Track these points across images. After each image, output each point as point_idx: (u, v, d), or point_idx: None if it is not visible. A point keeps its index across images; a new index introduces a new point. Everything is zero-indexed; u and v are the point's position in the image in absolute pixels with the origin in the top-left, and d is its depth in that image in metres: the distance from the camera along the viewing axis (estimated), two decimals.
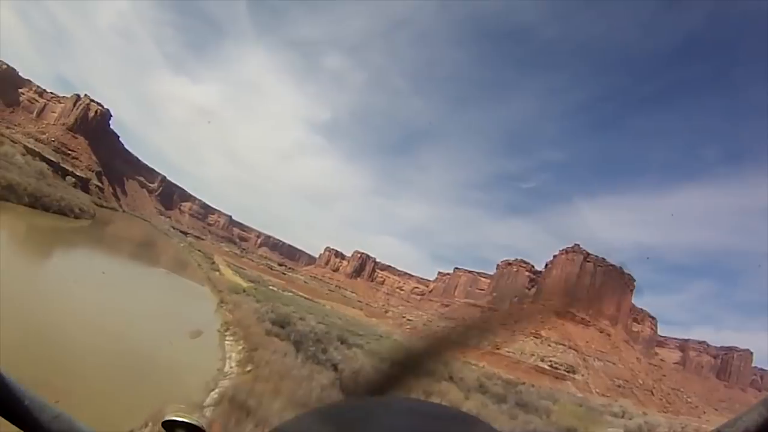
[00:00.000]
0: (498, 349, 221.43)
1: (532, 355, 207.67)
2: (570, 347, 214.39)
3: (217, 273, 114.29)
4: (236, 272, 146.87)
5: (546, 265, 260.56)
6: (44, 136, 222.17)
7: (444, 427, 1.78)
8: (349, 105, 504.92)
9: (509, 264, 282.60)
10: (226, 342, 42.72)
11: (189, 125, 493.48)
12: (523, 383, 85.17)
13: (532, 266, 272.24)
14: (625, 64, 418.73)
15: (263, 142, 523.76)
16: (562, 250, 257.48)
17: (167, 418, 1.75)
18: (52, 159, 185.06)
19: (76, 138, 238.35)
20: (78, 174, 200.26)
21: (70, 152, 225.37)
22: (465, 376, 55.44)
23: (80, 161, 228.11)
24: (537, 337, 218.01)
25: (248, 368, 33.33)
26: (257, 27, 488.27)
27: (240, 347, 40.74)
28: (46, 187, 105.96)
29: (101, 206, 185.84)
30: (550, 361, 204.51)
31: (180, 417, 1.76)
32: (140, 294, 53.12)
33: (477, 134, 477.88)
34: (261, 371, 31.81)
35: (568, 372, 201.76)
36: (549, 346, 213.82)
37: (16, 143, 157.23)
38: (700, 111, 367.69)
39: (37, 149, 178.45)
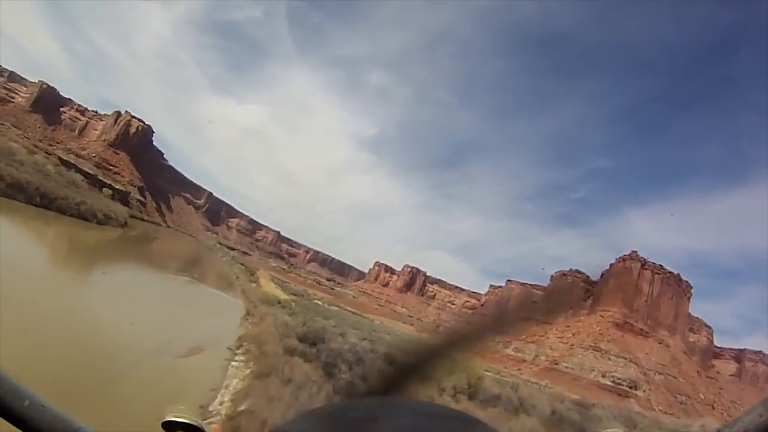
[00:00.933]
0: (556, 364, 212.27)
1: (593, 370, 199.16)
2: (630, 360, 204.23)
3: (254, 285, 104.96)
4: (279, 286, 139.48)
5: (602, 274, 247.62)
6: (84, 152, 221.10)
7: (444, 427, 1.77)
8: (395, 120, 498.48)
9: (564, 275, 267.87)
10: (234, 363, 33.05)
11: (235, 144, 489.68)
12: (593, 404, 73.10)
13: (587, 276, 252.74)
14: (666, 64, 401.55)
15: (311, 159, 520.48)
16: (619, 257, 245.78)
17: (167, 419, 1.74)
18: (89, 171, 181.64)
19: (118, 153, 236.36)
20: (117, 187, 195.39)
21: (111, 167, 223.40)
22: (537, 403, 47.64)
23: (121, 176, 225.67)
24: (597, 351, 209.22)
25: (242, 407, 20.95)
26: (299, 47, 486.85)
27: (248, 371, 30.91)
28: (72, 193, 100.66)
29: (142, 219, 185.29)
30: (613, 376, 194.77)
31: (179, 418, 1.75)
32: (150, 302, 46.32)
33: (524, 144, 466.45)
34: (261, 409, 21.45)
35: (630, 388, 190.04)
36: (609, 359, 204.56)
37: (50, 155, 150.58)
38: (746, 109, 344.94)
39: (72, 161, 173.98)
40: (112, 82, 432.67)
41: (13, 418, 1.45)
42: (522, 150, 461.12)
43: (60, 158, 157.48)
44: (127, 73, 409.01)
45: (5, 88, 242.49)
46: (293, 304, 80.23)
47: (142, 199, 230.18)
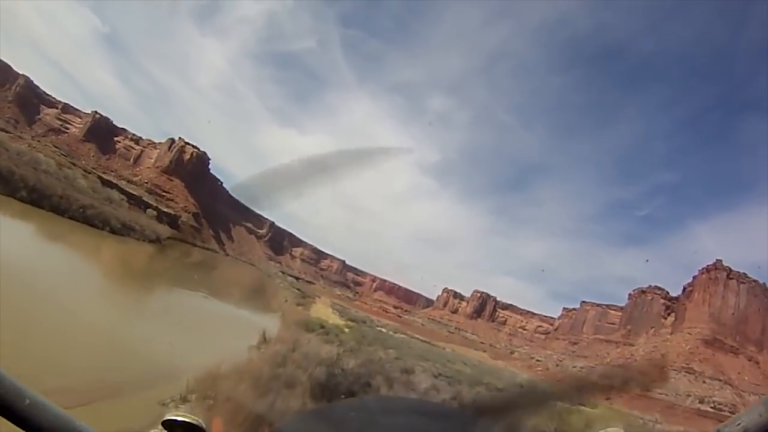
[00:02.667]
0: (648, 391, 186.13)
1: (688, 395, 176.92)
2: (725, 382, 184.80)
3: (300, 308, 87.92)
4: (339, 312, 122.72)
5: (684, 288, 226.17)
6: (137, 178, 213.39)
7: (444, 426, 1.74)
8: (457, 145, 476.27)
9: (642, 292, 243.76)
10: None
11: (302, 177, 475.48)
12: None
13: (667, 292, 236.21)
14: (723, 70, 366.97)
15: (375, 187, 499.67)
16: (702, 268, 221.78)
17: (167, 418, 1.71)
18: (133, 192, 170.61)
19: (172, 180, 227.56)
20: (164, 210, 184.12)
21: (164, 193, 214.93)
22: None
23: (176, 202, 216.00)
24: (689, 372, 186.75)
25: None
26: (357, 75, 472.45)
27: None
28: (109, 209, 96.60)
29: (193, 244, 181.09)
30: (713, 401, 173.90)
31: (180, 416, 1.71)
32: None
33: (587, 162, 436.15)
34: None
35: (732, 414, 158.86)
36: (704, 382, 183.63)
37: (89, 173, 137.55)
38: None
39: (117, 183, 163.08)
40: (172, 115, 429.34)
41: (14, 418, 1.42)
42: (585, 168, 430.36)
43: (100, 177, 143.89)
44: (188, 106, 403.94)
45: (59, 119, 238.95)
46: (346, 330, 70.96)
47: (196, 225, 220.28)
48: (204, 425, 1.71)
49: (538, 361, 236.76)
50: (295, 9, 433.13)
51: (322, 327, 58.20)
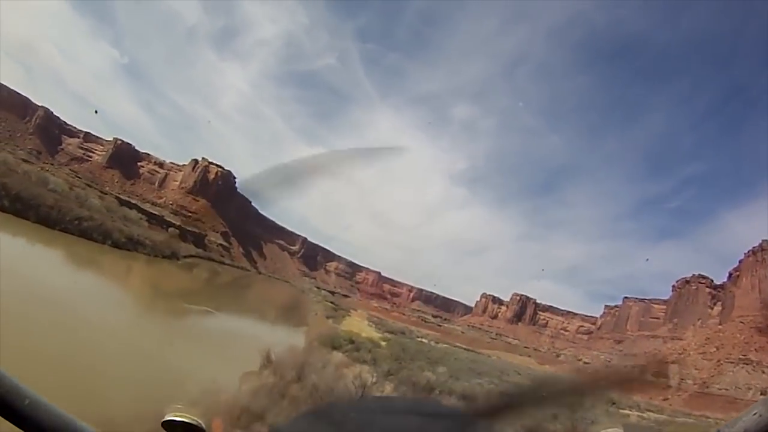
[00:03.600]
0: (707, 387, 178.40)
1: (749, 388, 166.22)
2: None
3: (330, 321, 77.95)
4: (375, 324, 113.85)
5: (729, 274, 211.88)
6: (161, 200, 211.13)
7: (445, 427, 1.71)
8: (485, 152, 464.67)
9: (687, 282, 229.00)
10: None
11: (330, 191, 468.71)
12: None
13: (711, 281, 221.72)
14: (743, 55, 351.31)
15: (405, 199, 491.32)
16: (748, 251, 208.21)
17: (167, 418, 1.69)
18: (154, 212, 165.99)
19: (197, 200, 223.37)
20: (189, 229, 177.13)
21: (190, 213, 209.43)
22: None
23: (202, 222, 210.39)
24: (747, 363, 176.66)
25: None
26: (379, 89, 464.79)
27: None
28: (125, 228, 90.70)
29: (221, 262, 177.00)
30: None
31: (179, 417, 1.69)
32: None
33: (614, 160, 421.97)
34: None
35: None
36: (763, 372, 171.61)
37: (105, 194, 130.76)
38: None
39: (133, 201, 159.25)
40: (198, 140, 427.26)
41: (13, 417, 1.41)
42: (613, 166, 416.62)
43: (118, 198, 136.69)
44: (213, 131, 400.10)
45: (81, 148, 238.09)
46: (383, 344, 63.60)
47: (225, 243, 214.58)
48: (203, 425, 1.70)
49: (585, 363, 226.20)
50: (312, 28, 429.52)
51: (352, 342, 48.83)
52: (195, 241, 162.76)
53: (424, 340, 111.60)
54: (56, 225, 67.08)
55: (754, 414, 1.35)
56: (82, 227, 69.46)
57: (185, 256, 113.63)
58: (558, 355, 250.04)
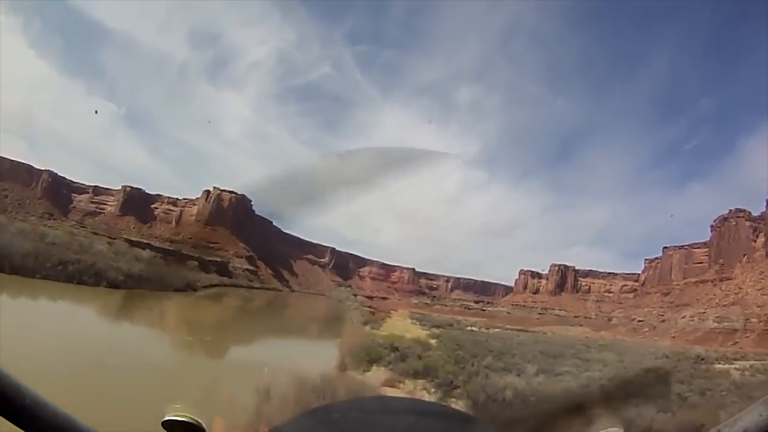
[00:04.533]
0: None
1: None
2: None
3: (367, 327, 67.57)
4: (418, 321, 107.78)
5: (766, 202, 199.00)
6: (179, 237, 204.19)
7: (443, 427, 1.74)
8: (495, 130, 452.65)
9: (725, 219, 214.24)
10: None
11: (350, 198, 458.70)
12: None
13: (749, 213, 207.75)
14: None
15: (426, 192, 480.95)
16: None
17: (167, 418, 1.67)
18: (170, 248, 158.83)
19: (216, 230, 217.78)
20: (209, 259, 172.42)
21: (211, 244, 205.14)
22: None
23: (225, 250, 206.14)
24: None
25: None
26: (379, 88, 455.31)
27: None
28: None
29: (250, 287, 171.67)
30: None
31: (180, 417, 1.67)
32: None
33: (626, 113, 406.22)
34: None
35: None
36: None
37: (114, 239, 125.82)
38: None
39: (152, 243, 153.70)
40: (210, 173, 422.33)
41: (14, 417, 1.38)
42: (624, 120, 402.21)
43: (128, 240, 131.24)
44: (223, 161, 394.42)
45: (92, 202, 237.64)
46: (433, 342, 54.20)
47: (251, 267, 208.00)
48: (204, 425, 1.67)
49: (639, 321, 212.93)
50: (301, 41, 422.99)
51: (395, 350, 37.49)
52: (219, 270, 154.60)
53: (473, 328, 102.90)
54: (34, 273, 59.32)
55: (755, 414, 1.33)
56: (68, 272, 61.50)
57: (207, 286, 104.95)
58: (610, 319, 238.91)
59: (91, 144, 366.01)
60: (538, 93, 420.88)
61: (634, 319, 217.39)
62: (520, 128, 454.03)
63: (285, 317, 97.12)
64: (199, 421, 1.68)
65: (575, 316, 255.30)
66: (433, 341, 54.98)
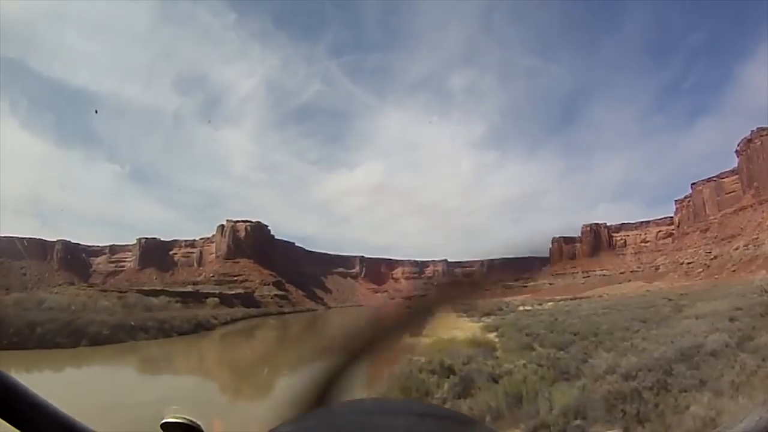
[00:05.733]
0: None
1: None
2: None
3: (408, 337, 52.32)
4: (464, 312, 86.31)
5: None
6: (201, 277, 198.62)
7: (442, 428, 1.66)
8: (497, 108, 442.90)
9: (749, 141, 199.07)
10: None
11: (370, 205, 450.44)
12: None
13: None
14: None
15: (444, 183, 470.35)
16: None
17: (165, 420, 1.65)
18: (189, 290, 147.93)
19: (237, 262, 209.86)
20: (231, 293, 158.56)
21: (235, 277, 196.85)
22: None
23: (251, 281, 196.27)
24: None
25: None
26: (373, 94, 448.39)
27: None
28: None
29: (281, 313, 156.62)
30: None
31: (179, 419, 1.65)
32: None
33: (619, 63, 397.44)
34: None
35: None
36: None
37: (125, 293, 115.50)
38: None
39: (167, 289, 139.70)
40: (226, 213, 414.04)
41: (14, 417, 1.36)
42: (619, 70, 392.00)
43: (140, 290, 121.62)
44: (237, 197, 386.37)
45: (111, 262, 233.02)
46: (494, 337, 41.18)
47: (281, 293, 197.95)
48: (202, 426, 1.67)
49: (689, 264, 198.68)
50: (286, 64, 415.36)
51: (451, 372, 22.74)
52: (244, 302, 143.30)
53: (526, 307, 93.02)
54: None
55: (756, 416, 1.32)
56: (35, 336, 49.91)
57: (226, 323, 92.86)
58: (657, 268, 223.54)
59: (102, 208, 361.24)
60: (529, 64, 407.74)
61: (683, 263, 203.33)
62: (520, 102, 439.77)
63: (321, 339, 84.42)
64: (198, 422, 1.67)
65: (621, 272, 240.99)
66: (493, 336, 41.48)
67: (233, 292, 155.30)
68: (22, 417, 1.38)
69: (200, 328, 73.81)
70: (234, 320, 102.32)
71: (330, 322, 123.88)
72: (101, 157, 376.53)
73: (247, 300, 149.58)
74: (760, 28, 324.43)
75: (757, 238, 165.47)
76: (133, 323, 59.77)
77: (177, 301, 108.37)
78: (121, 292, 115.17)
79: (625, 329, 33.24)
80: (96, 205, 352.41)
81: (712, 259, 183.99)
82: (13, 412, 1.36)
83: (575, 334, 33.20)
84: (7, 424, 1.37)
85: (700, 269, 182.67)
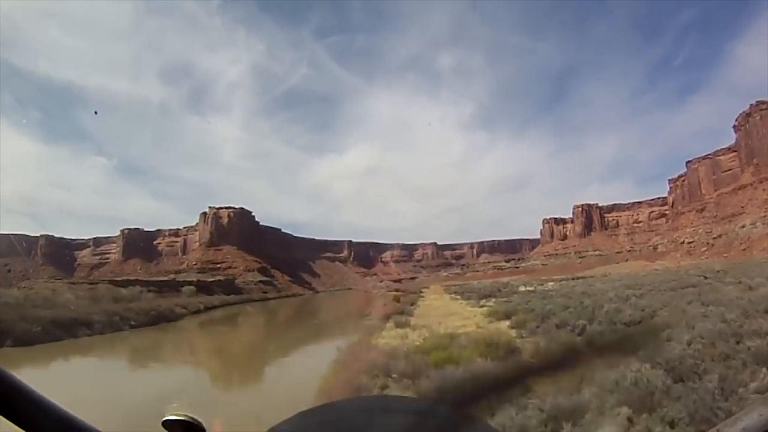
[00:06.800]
0: None
1: None
2: None
3: (388, 331, 34.82)
4: (459, 295, 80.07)
5: None
6: (183, 266, 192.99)
7: (443, 426, 1.65)
8: (486, 88, 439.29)
9: (748, 115, 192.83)
10: None
11: (363, 189, 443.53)
12: None
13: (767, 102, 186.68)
14: None
15: (434, 165, 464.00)
16: None
17: (167, 418, 1.64)
18: (165, 279, 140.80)
19: (221, 249, 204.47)
20: (211, 280, 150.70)
21: (218, 264, 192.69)
22: None
23: (234, 268, 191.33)
24: None
25: None
26: (362, 76, 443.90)
27: None
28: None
29: (266, 299, 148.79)
30: None
31: (180, 416, 1.64)
32: None
33: (609, 40, 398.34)
34: None
35: None
36: None
37: (96, 284, 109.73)
38: None
39: (140, 278, 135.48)
40: (217, 202, 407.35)
41: (14, 417, 1.34)
42: (609, 47, 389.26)
43: (113, 281, 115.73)
44: (227, 186, 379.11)
45: (96, 254, 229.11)
46: (508, 328, 27.90)
47: (266, 278, 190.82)
48: (203, 424, 1.65)
49: (689, 243, 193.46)
50: (272, 48, 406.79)
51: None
52: (224, 289, 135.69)
53: (527, 287, 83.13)
54: None
55: (755, 413, 1.29)
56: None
57: (197, 311, 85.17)
58: (655, 248, 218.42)
59: (93, 202, 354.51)
60: (518, 43, 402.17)
61: (683, 242, 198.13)
62: (509, 81, 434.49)
63: (305, 325, 76.45)
64: (199, 420, 1.64)
65: (617, 252, 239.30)
66: (508, 328, 27.76)
67: (213, 279, 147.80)
68: (25, 415, 1.36)
69: (162, 319, 65.91)
70: (209, 308, 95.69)
71: (315, 308, 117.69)
72: (90, 152, 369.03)
73: (228, 287, 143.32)
74: (750, 6, 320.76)
75: (765, 216, 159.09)
76: (76, 317, 51.64)
77: (150, 291, 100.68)
78: (91, 283, 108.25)
79: (693, 309, 24.28)
80: (84, 199, 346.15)
81: (714, 238, 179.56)
82: (15, 410, 1.34)
83: (638, 323, 22.87)
84: (8, 424, 1.34)
85: (704, 248, 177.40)
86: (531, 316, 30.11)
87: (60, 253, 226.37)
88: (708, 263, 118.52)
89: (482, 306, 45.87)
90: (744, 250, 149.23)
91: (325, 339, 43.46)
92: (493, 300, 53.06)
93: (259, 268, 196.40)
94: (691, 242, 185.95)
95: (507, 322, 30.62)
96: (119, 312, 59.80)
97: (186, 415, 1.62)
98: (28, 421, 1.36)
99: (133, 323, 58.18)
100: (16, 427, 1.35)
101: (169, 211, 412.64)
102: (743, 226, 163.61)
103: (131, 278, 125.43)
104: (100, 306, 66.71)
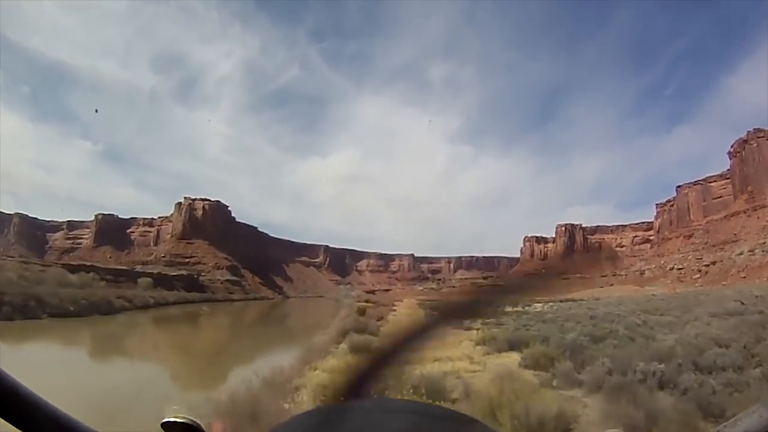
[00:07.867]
0: None
1: None
2: None
3: (334, 357, 27.07)
4: (433, 311, 67.17)
5: None
6: (152, 257, 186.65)
7: (442, 427, 1.64)
8: (475, 102, 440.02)
9: (744, 142, 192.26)
10: None
11: (342, 194, 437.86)
12: None
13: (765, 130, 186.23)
14: None
15: (417, 176, 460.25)
16: None
17: (166, 419, 1.60)
18: (124, 268, 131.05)
19: (192, 243, 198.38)
20: (173, 274, 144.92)
21: (187, 259, 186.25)
22: None
23: (203, 263, 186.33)
24: None
25: None
26: (351, 81, 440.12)
27: None
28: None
29: (231, 300, 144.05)
30: None
31: (179, 418, 1.60)
32: None
33: (601, 64, 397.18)
34: None
35: None
36: None
37: (49, 266, 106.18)
38: None
39: (97, 265, 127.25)
40: (199, 194, 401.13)
41: (14, 417, 1.32)
42: (600, 71, 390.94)
43: (69, 265, 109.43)
44: (209, 180, 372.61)
45: (68, 238, 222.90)
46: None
47: (234, 278, 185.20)
48: (203, 426, 1.61)
49: (679, 269, 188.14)
50: (266, 46, 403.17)
51: None
52: (187, 285, 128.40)
53: (511, 307, 72.40)
54: None
55: (755, 414, 1.26)
56: None
57: (145, 307, 79.03)
58: (642, 273, 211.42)
59: (74, 185, 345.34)
60: (510, 59, 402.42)
61: (672, 268, 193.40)
62: (498, 97, 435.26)
63: (253, 335, 68.44)
64: (198, 422, 1.59)
65: (602, 276, 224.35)
66: (518, 364, 19.67)
67: (175, 273, 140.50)
68: (23, 416, 1.32)
69: (93, 310, 59.87)
70: (161, 305, 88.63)
71: (283, 313, 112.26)
72: (76, 134, 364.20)
73: (191, 283, 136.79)
74: (743, 39, 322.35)
75: (764, 243, 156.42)
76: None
77: (104, 280, 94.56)
78: (43, 265, 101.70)
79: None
80: (65, 181, 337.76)
81: (706, 265, 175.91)
82: (14, 411, 1.31)
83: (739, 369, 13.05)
84: (8, 425, 1.31)
85: (696, 275, 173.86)
86: (552, 350, 20.11)
87: (33, 234, 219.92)
88: (720, 289, 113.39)
89: (468, 329, 31.01)
90: (744, 277, 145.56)
91: (258, 358, 34.77)
92: (480, 321, 42.04)
93: (229, 266, 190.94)
94: (681, 268, 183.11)
95: (514, 356, 21.70)
96: (43, 297, 54.14)
97: (185, 417, 1.57)
98: (25, 422, 1.33)
99: (50, 311, 52.50)
100: (15, 428, 1.32)
101: (148, 200, 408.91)
102: (740, 253, 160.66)
103: (87, 264, 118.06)
104: (33, 290, 61.51)
